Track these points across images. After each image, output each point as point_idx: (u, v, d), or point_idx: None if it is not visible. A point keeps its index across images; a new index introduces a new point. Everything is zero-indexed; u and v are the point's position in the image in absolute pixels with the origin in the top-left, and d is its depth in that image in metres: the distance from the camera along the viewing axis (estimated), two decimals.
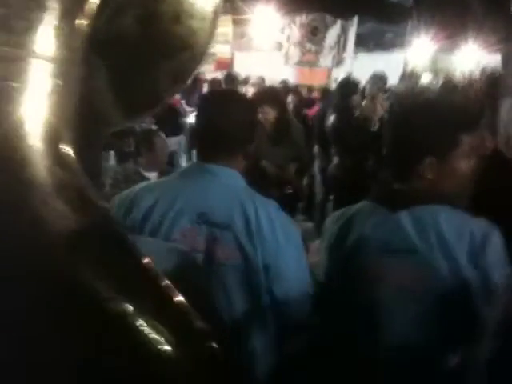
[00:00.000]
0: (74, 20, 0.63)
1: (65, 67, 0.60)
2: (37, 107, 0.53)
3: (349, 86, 4.73)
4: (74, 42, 0.62)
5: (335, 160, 4.65)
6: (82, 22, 0.64)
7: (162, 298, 0.50)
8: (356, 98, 4.58)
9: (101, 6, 0.69)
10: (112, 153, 4.39)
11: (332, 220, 1.48)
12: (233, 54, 9.21)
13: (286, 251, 1.39)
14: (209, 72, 7.36)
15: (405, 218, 1.29)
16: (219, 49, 9.10)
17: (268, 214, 1.40)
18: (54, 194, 0.47)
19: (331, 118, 4.61)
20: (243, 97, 1.81)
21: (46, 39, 0.58)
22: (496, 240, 1.24)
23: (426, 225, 1.27)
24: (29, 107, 0.52)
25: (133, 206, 1.42)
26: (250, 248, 1.35)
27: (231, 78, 6.20)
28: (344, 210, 1.49)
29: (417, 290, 1.25)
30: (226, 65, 9.09)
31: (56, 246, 0.45)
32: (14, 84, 0.54)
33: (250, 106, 1.63)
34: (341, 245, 1.39)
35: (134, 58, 0.83)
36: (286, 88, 6.43)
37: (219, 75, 8.00)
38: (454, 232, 1.25)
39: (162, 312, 0.47)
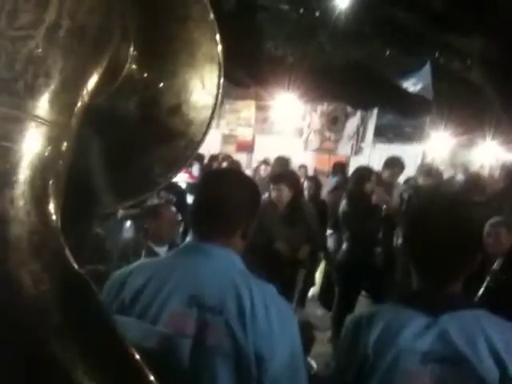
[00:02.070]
0: (77, 90, 0.64)
1: (62, 133, 0.60)
2: (27, 168, 0.53)
3: (363, 173, 4.75)
4: (73, 111, 0.62)
5: (345, 246, 4.58)
6: (84, 94, 0.65)
7: (130, 374, 0.48)
8: (369, 185, 4.57)
9: (103, 84, 0.69)
10: (128, 223, 4.36)
11: (354, 327, 1.38)
12: (254, 137, 9.43)
13: (280, 341, 1.29)
14: (231, 153, 7.50)
15: (448, 323, 1.22)
16: (241, 131, 9.34)
17: (264, 299, 1.32)
18: (32, 255, 0.46)
19: (343, 204, 4.60)
20: (243, 175, 1.79)
21: (46, 104, 0.58)
22: None
23: (472, 331, 1.20)
24: (20, 168, 0.52)
25: (124, 285, 1.37)
26: (242, 335, 1.26)
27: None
28: (367, 315, 1.39)
29: None
30: (246, 147, 9.29)
31: (29, 311, 0.44)
32: (9, 144, 0.54)
33: (251, 184, 1.59)
34: (377, 363, 1.28)
35: (130, 141, 0.82)
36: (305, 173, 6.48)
37: (240, 156, 8.16)
38: (501, 339, 1.19)
39: None
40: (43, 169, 0.54)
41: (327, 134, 9.02)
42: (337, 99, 8.76)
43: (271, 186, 4.05)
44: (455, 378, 1.18)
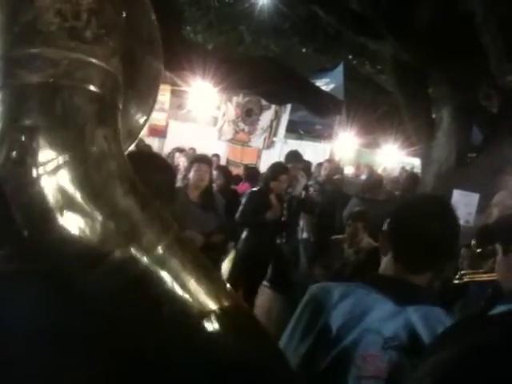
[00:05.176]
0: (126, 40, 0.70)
1: (117, 78, 0.68)
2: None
3: (273, 171, 4.81)
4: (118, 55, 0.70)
5: (244, 235, 4.70)
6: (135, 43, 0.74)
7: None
8: (274, 184, 4.64)
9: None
10: None
11: (320, 296, 1.38)
12: (167, 123, 9.29)
13: None
14: (142, 136, 7.34)
15: (413, 314, 1.27)
16: (154, 115, 9.15)
17: None
18: None
19: (244, 199, 4.71)
20: (160, 159, 1.80)
21: (108, 52, 0.66)
22: None
23: (436, 326, 1.25)
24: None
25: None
26: None
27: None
28: (336, 289, 1.38)
29: None
30: (159, 132, 9.13)
31: None
32: (87, 85, 0.63)
33: (167, 169, 1.70)
34: (339, 339, 1.29)
35: None
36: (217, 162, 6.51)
37: (151, 141, 8.02)
38: None
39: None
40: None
41: (241, 125, 9.09)
42: (252, 91, 8.84)
43: (196, 166, 4.03)
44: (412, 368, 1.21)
